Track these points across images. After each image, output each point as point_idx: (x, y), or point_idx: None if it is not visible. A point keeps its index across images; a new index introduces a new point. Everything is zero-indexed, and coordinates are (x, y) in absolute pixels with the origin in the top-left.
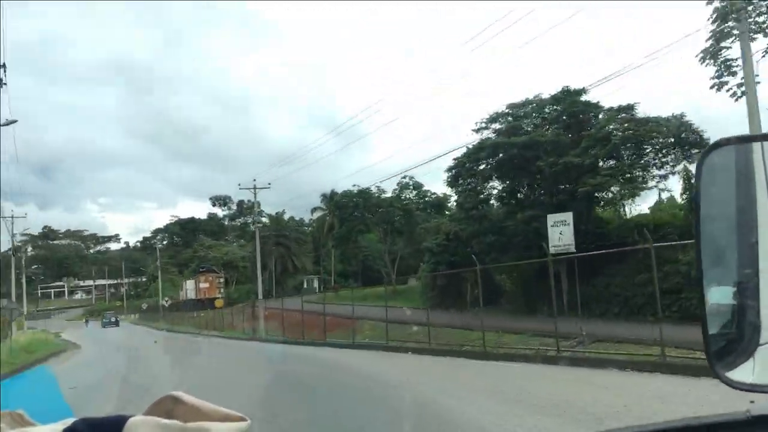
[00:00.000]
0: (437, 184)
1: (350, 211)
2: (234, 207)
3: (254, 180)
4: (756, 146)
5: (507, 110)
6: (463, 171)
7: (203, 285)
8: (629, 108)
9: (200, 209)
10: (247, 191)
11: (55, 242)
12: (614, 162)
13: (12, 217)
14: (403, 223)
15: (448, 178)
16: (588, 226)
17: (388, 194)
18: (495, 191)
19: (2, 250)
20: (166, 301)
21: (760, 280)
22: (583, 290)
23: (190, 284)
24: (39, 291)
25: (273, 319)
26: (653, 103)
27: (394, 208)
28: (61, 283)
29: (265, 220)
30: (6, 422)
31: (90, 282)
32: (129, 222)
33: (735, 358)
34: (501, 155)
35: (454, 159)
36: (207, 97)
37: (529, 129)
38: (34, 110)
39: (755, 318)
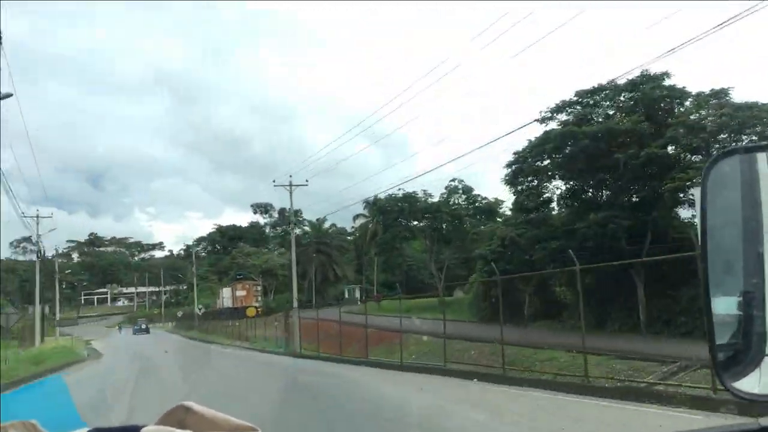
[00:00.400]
0: (487, 189)
1: (394, 216)
2: (275, 215)
3: (290, 177)
4: (761, 156)
5: (575, 98)
6: (524, 167)
7: (240, 293)
8: (722, 93)
9: (243, 219)
10: (284, 195)
11: (101, 249)
12: (704, 154)
13: (37, 216)
14: (450, 230)
15: (506, 176)
16: (670, 229)
17: (436, 198)
18: (559, 190)
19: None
20: (200, 309)
21: (766, 290)
22: (663, 303)
23: (226, 292)
24: (83, 297)
25: (310, 330)
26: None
27: (442, 213)
28: (104, 290)
29: (306, 228)
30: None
31: (132, 289)
32: (175, 231)
33: (742, 368)
34: (569, 148)
35: (515, 153)
36: (250, 106)
37: (599, 120)
38: (83, 120)
39: (762, 328)
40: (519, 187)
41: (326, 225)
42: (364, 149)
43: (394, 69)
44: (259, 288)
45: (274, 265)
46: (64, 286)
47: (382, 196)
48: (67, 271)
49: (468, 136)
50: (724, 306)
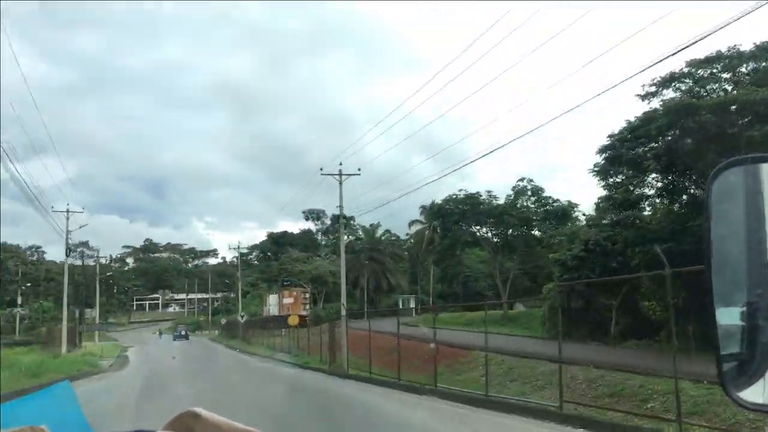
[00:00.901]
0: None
1: (455, 219)
2: (328, 221)
3: (340, 164)
4: (766, 167)
5: (687, 69)
6: (623, 152)
7: (287, 300)
8: None
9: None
10: (335, 200)
11: (155, 255)
12: None
13: (67, 211)
14: (516, 236)
15: (595, 166)
16: None
17: (501, 200)
18: (660, 183)
19: None
20: (242, 317)
21: None
22: None
23: (272, 299)
24: (135, 303)
25: (360, 344)
26: None
27: (508, 217)
28: (156, 296)
29: (359, 234)
30: None
31: (183, 295)
32: (231, 240)
33: (747, 379)
34: (679, 129)
35: (609, 136)
36: (308, 117)
37: (714, 96)
38: (149, 132)
39: (767, 339)
40: (612, 179)
41: (379, 232)
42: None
43: (452, 74)
44: (307, 295)
45: (324, 271)
46: (116, 290)
47: (440, 200)
48: (122, 277)
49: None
50: (730, 316)
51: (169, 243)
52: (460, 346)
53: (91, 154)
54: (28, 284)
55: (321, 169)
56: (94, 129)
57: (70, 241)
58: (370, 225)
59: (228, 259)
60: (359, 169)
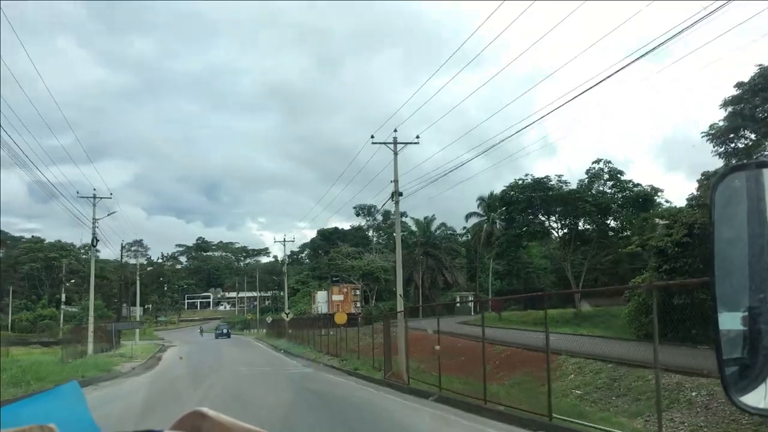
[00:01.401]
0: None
1: (521, 207)
2: (379, 217)
3: (395, 131)
4: None
5: None
6: (757, 104)
7: (336, 297)
8: None
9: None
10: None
11: (207, 254)
12: None
13: (94, 197)
14: (590, 225)
15: (711, 128)
16: None
17: (572, 185)
18: None
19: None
20: (287, 315)
21: None
22: None
23: (321, 296)
24: (186, 301)
25: (420, 346)
26: None
27: (583, 203)
28: (207, 294)
29: (412, 228)
30: None
31: (234, 294)
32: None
33: (748, 383)
34: None
35: (737, 85)
36: (358, 117)
37: None
38: (202, 135)
39: None
40: (733, 145)
41: (434, 225)
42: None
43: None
44: (358, 292)
45: (376, 267)
46: (166, 289)
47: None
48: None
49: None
50: (732, 321)
51: (221, 241)
52: (534, 348)
53: (148, 157)
54: (72, 281)
55: (372, 137)
56: (150, 132)
57: (123, 241)
58: (424, 218)
59: (280, 257)
60: (417, 137)
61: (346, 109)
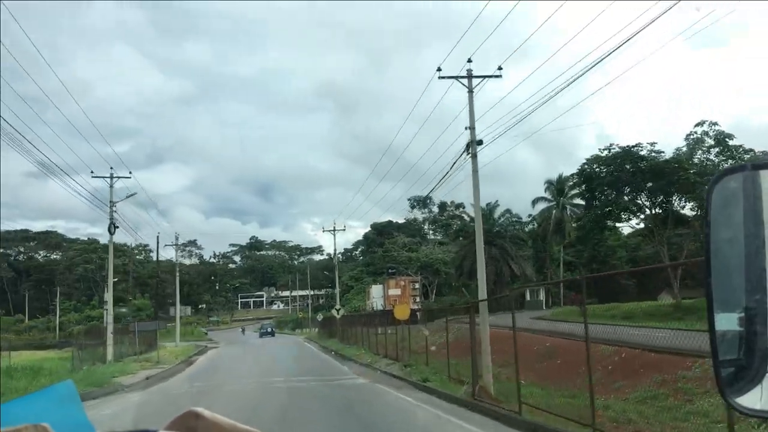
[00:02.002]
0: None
1: (605, 181)
2: (435, 209)
3: (469, 61)
4: (765, 173)
5: None
6: None
7: (393, 292)
8: None
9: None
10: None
11: (261, 253)
12: None
13: (111, 177)
14: (692, 199)
15: None
16: None
17: (667, 154)
18: None
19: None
20: (337, 311)
21: None
22: None
23: (376, 291)
24: (239, 300)
25: (501, 347)
26: None
27: (685, 174)
28: (261, 293)
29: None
30: None
31: (286, 293)
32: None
33: (744, 384)
34: None
35: None
36: (411, 114)
37: None
38: (256, 136)
39: (765, 345)
40: None
41: (498, 213)
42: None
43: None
44: (417, 286)
45: (435, 259)
46: (217, 287)
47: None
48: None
49: None
50: (728, 322)
51: (274, 240)
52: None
53: (204, 161)
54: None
55: (439, 69)
56: (206, 136)
57: (179, 241)
58: (487, 205)
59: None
60: (500, 68)
61: (397, 105)
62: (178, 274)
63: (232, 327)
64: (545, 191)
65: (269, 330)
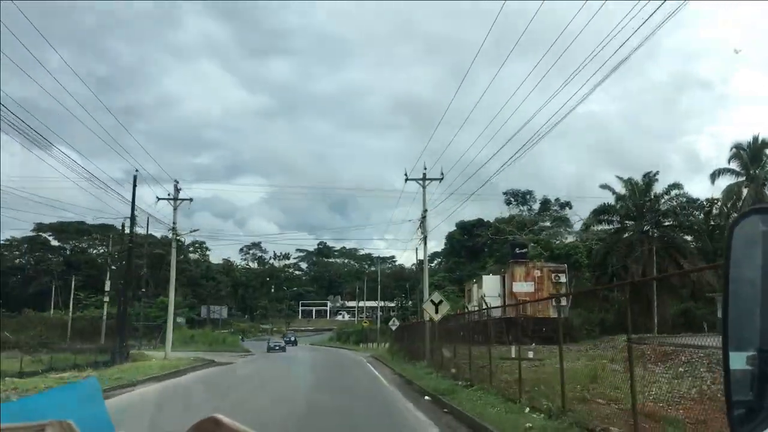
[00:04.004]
0: None
1: None
2: (536, 206)
3: None
4: None
5: None
6: None
7: (521, 286)
8: None
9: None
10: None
11: (329, 260)
12: None
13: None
14: None
15: None
16: None
17: None
18: None
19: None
20: (392, 324)
21: None
22: None
23: (490, 282)
24: (301, 309)
25: None
26: None
27: None
28: (324, 302)
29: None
30: (56, 430)
31: (353, 303)
32: (411, 255)
33: (754, 426)
34: None
35: None
36: (489, 129)
37: None
38: (332, 153)
39: None
40: None
41: (659, 188)
42: None
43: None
44: (564, 278)
45: (573, 247)
46: (272, 290)
47: None
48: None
49: None
50: (742, 362)
51: (344, 247)
52: None
53: (282, 175)
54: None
55: None
56: (285, 151)
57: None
58: (644, 176)
59: (407, 266)
60: None
61: (477, 122)
62: (175, 243)
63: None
64: (728, 161)
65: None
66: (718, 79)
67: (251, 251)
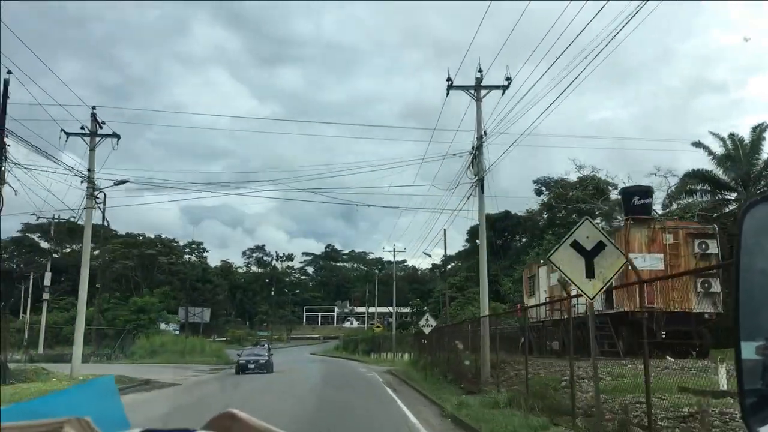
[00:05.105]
0: None
1: None
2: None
3: None
4: None
5: None
6: None
7: (642, 258)
8: None
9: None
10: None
11: (337, 264)
12: None
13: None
14: None
15: None
16: None
17: None
18: None
19: None
20: (425, 324)
21: None
22: None
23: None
24: (305, 315)
25: None
26: None
27: None
28: (331, 307)
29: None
30: (74, 428)
31: (362, 309)
32: (423, 262)
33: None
34: None
35: None
36: (501, 138)
37: None
38: (341, 161)
39: None
40: None
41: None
42: None
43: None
44: (713, 242)
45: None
46: (272, 293)
47: None
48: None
49: None
50: (753, 350)
51: (353, 251)
52: None
53: (291, 183)
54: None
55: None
56: (294, 159)
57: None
58: (753, 129)
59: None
60: None
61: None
62: (92, 201)
63: (288, 346)
64: None
65: (260, 361)
66: None
67: (254, 254)
